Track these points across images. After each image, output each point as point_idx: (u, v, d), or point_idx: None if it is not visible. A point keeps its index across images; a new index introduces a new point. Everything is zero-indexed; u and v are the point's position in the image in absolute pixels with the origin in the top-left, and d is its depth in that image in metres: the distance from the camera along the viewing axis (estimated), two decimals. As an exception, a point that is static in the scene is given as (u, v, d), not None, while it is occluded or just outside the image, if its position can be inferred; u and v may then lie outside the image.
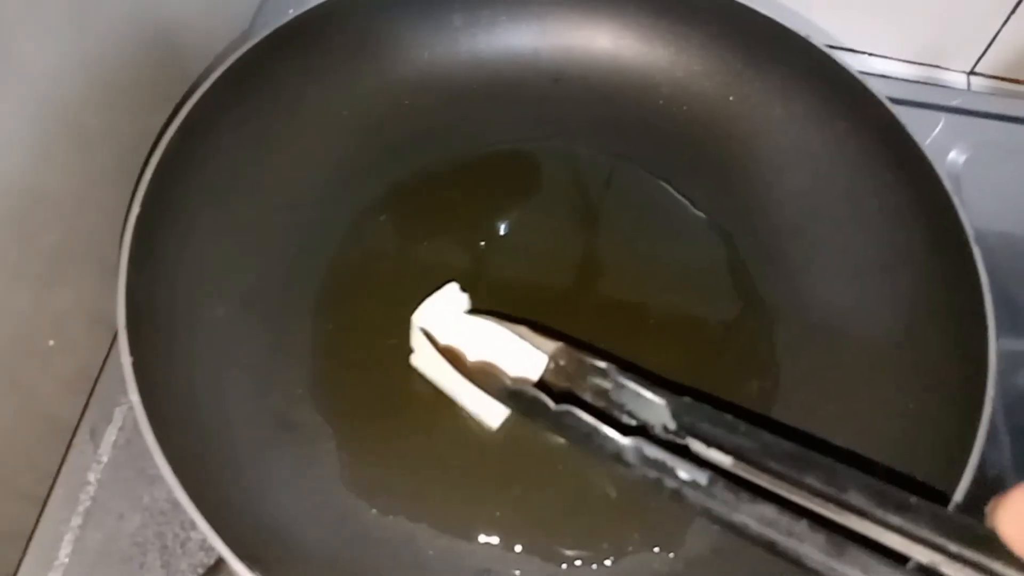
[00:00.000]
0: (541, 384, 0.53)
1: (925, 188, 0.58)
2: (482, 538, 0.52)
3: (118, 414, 0.59)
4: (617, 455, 0.48)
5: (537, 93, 0.68)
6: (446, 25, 0.67)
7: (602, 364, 0.52)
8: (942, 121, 0.76)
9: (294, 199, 0.61)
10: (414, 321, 0.55)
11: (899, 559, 0.42)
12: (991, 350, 0.52)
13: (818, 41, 0.63)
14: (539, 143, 0.67)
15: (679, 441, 0.49)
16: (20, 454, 0.54)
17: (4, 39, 0.46)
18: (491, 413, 0.54)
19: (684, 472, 0.46)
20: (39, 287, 0.53)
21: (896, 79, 0.80)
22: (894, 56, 0.81)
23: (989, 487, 0.57)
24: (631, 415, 0.51)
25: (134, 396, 0.46)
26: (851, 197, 0.63)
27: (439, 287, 0.57)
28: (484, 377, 0.53)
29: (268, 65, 0.61)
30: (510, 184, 0.66)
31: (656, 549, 0.53)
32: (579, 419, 0.49)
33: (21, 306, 0.51)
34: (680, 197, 0.65)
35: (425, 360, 0.56)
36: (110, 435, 0.58)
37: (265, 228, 0.60)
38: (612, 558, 0.52)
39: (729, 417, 0.49)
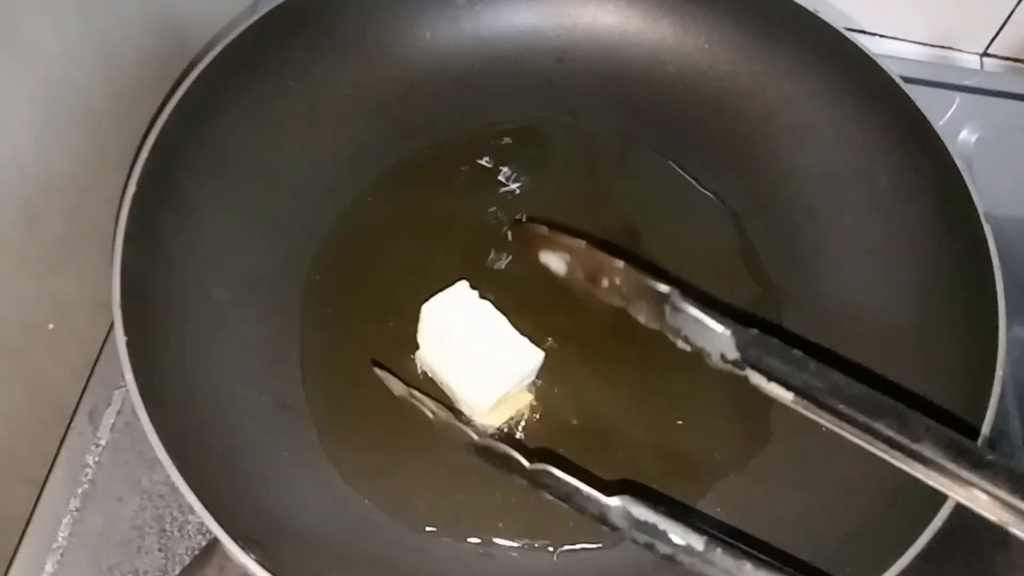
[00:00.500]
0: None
1: (936, 165, 0.58)
2: (479, 523, 0.52)
3: (117, 397, 0.58)
4: (602, 516, 0.46)
5: (541, 72, 0.67)
6: (448, 4, 0.66)
7: (664, 288, 0.51)
8: (956, 100, 0.75)
9: (294, 180, 0.61)
10: (423, 313, 0.54)
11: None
12: (1001, 329, 0.51)
13: (828, 17, 0.62)
14: (544, 123, 0.66)
15: (738, 372, 0.48)
16: (21, 438, 0.54)
17: (10, 24, 0.46)
18: (482, 403, 0.53)
19: (678, 536, 0.45)
20: (44, 272, 0.52)
21: (909, 60, 0.79)
22: (908, 38, 0.80)
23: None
24: (686, 340, 0.50)
25: (128, 375, 0.46)
26: (862, 176, 0.62)
27: (440, 270, 0.56)
28: (448, 429, 0.52)
29: (268, 44, 0.60)
30: (515, 165, 0.64)
31: (660, 532, 0.52)
32: (557, 478, 0.47)
33: (26, 291, 0.51)
34: (687, 176, 0.64)
35: (424, 346, 0.56)
36: (109, 418, 0.58)
37: (264, 209, 0.59)
38: (614, 543, 0.51)
39: (799, 353, 0.47)
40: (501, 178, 0.64)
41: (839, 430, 0.44)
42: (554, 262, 0.56)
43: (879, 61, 0.60)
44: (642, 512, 0.45)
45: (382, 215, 0.62)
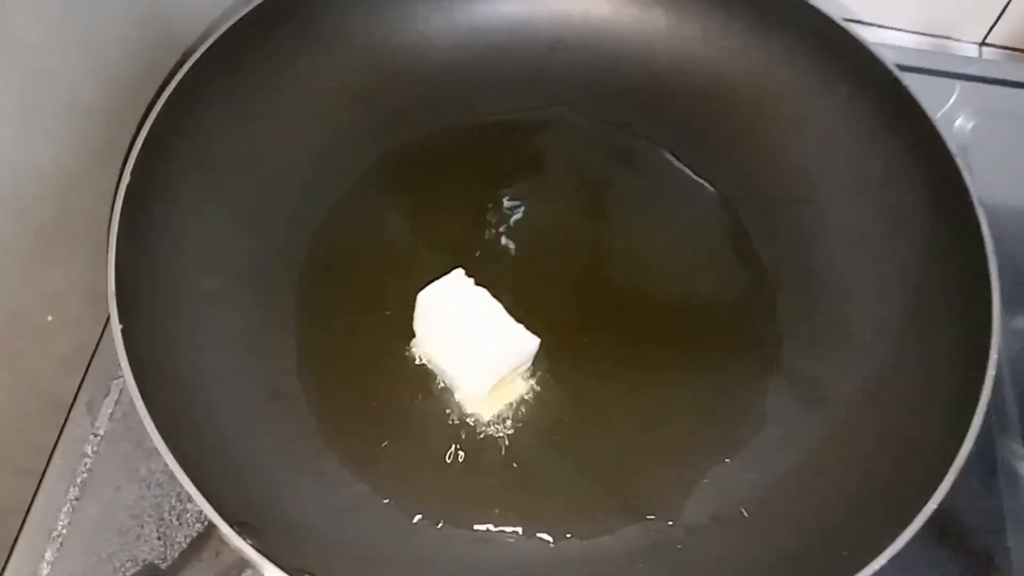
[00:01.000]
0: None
1: (930, 151, 0.57)
2: (476, 511, 0.52)
3: (115, 388, 0.58)
4: None
5: (534, 62, 0.67)
6: (442, -6, 0.66)
7: None
8: (957, 89, 0.75)
9: (285, 171, 0.61)
10: (419, 301, 0.54)
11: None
12: (995, 314, 0.51)
13: (823, 6, 0.62)
14: (536, 113, 0.67)
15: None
16: (18, 429, 0.54)
17: (-3, 17, 0.46)
18: (478, 389, 0.54)
19: None
20: (33, 263, 0.52)
21: (908, 48, 0.79)
22: (906, 28, 0.80)
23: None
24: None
25: (124, 363, 0.46)
26: (855, 163, 0.62)
27: (431, 260, 0.57)
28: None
29: (259, 37, 0.60)
30: (507, 155, 0.65)
31: (655, 518, 0.52)
32: None
33: (16, 282, 0.51)
34: (681, 165, 0.65)
35: (420, 333, 0.56)
36: (107, 408, 0.58)
37: (255, 200, 0.59)
38: (613, 529, 0.52)
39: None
40: (494, 168, 0.64)
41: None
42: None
43: (871, 48, 0.60)
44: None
45: (375, 204, 0.62)
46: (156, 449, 0.54)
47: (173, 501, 0.55)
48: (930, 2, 0.77)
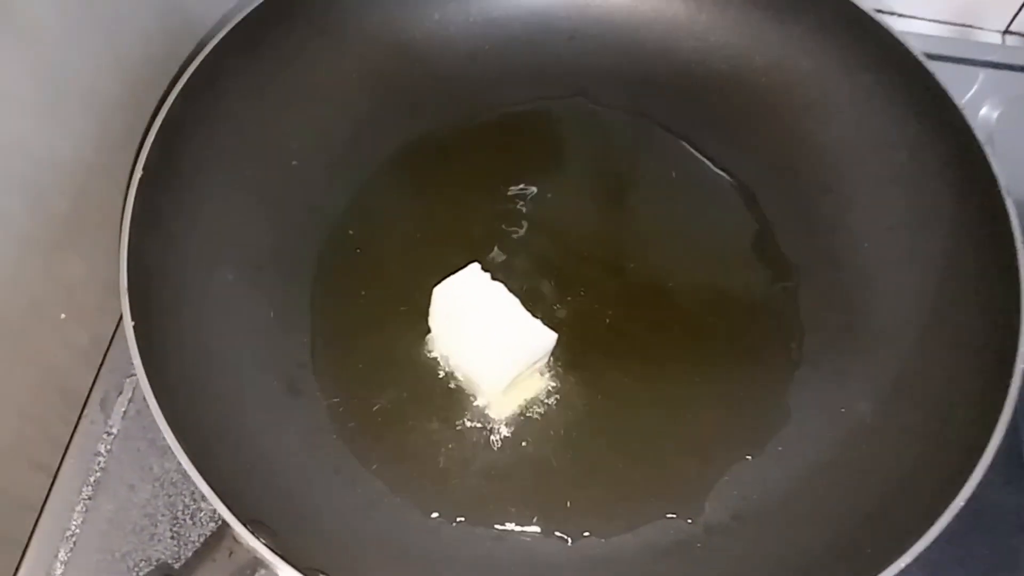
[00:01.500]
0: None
1: (957, 139, 0.56)
2: (494, 510, 0.51)
3: (128, 385, 0.58)
4: None
5: (551, 51, 0.67)
6: (458, -18, 0.66)
7: None
8: (980, 76, 0.74)
9: (302, 162, 0.60)
10: (435, 296, 0.53)
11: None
12: (1024, 303, 0.50)
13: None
14: (554, 102, 0.66)
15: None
16: (34, 422, 0.54)
17: (16, 7, 0.45)
18: (496, 385, 0.53)
19: None
20: (51, 255, 0.52)
21: (931, 36, 0.78)
22: (929, 17, 0.78)
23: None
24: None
25: (136, 359, 0.46)
26: (880, 151, 0.60)
27: (448, 252, 0.56)
28: None
29: (275, 26, 0.60)
30: (525, 145, 0.64)
31: (675, 516, 0.51)
32: None
33: (33, 274, 0.51)
34: (700, 156, 0.64)
35: (436, 329, 0.55)
36: (120, 406, 0.57)
37: (272, 192, 0.59)
38: (632, 527, 0.51)
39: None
40: (512, 159, 0.63)
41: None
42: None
43: (897, 35, 0.59)
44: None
45: (391, 197, 0.61)
46: (170, 447, 0.54)
47: (187, 500, 0.54)
48: (953, -9, 0.76)
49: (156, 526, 0.54)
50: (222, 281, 0.55)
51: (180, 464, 0.53)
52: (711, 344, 0.57)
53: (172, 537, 0.53)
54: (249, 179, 0.58)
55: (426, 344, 0.56)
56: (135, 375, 0.57)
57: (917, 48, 0.59)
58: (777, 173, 0.63)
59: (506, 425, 0.54)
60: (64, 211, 0.52)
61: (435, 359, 0.55)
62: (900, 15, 0.78)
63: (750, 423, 0.54)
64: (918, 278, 0.56)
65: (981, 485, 0.45)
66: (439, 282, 0.53)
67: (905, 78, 0.59)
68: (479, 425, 0.54)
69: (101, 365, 0.59)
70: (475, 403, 0.54)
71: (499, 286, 0.53)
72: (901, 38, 0.59)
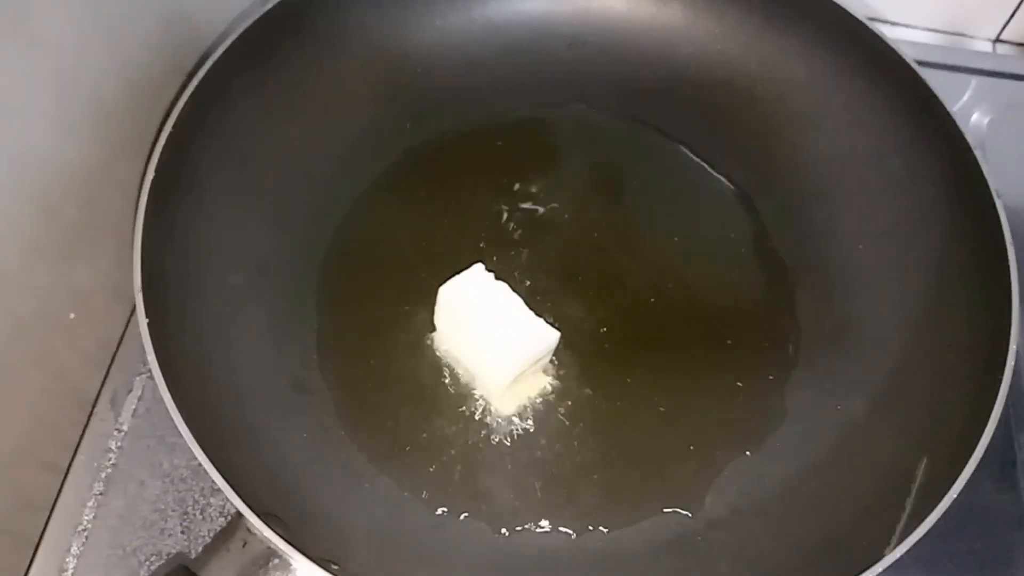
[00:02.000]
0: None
1: (949, 146, 0.58)
2: (498, 504, 0.52)
3: (138, 384, 0.59)
4: None
5: (552, 58, 0.68)
6: (459, -10, 0.67)
7: None
8: (972, 83, 0.75)
9: (308, 167, 0.61)
10: (440, 295, 0.54)
11: None
12: (1015, 305, 0.51)
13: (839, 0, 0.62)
14: (555, 109, 0.67)
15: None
16: (44, 424, 0.54)
17: (23, 14, 0.46)
18: (499, 382, 0.54)
19: None
20: (60, 260, 0.53)
21: (923, 44, 0.79)
22: (921, 25, 0.80)
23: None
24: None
25: (151, 357, 0.47)
26: (874, 158, 0.62)
27: (450, 254, 0.58)
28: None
29: (280, 34, 0.61)
30: (526, 151, 0.65)
31: (676, 510, 0.52)
32: None
33: (43, 279, 0.52)
34: (699, 160, 0.65)
35: (441, 327, 0.56)
36: (130, 404, 0.58)
37: (279, 195, 0.60)
38: (635, 521, 0.52)
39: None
40: (513, 164, 0.64)
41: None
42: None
43: (890, 42, 0.61)
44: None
45: (395, 200, 0.62)
46: (179, 444, 0.55)
47: (196, 496, 0.55)
48: (945, 0, 0.78)
49: (166, 521, 0.54)
50: (230, 282, 0.56)
51: (189, 460, 0.55)
52: (710, 344, 0.58)
53: (182, 532, 0.54)
54: (256, 184, 0.59)
55: (431, 342, 0.57)
56: (144, 374, 0.59)
57: (910, 56, 0.60)
58: (773, 178, 0.64)
59: (510, 421, 0.55)
60: (72, 216, 0.53)
61: (440, 357, 0.56)
62: (893, 23, 0.79)
63: (748, 421, 0.55)
64: (911, 282, 0.58)
65: (973, 483, 0.47)
66: (442, 282, 0.54)
67: (898, 85, 0.61)
68: (483, 421, 0.55)
69: (111, 365, 0.59)
70: (479, 400, 0.55)
71: (503, 285, 0.54)
72: (894, 46, 0.60)
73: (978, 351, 0.52)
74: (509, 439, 0.54)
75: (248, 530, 0.45)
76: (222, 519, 0.55)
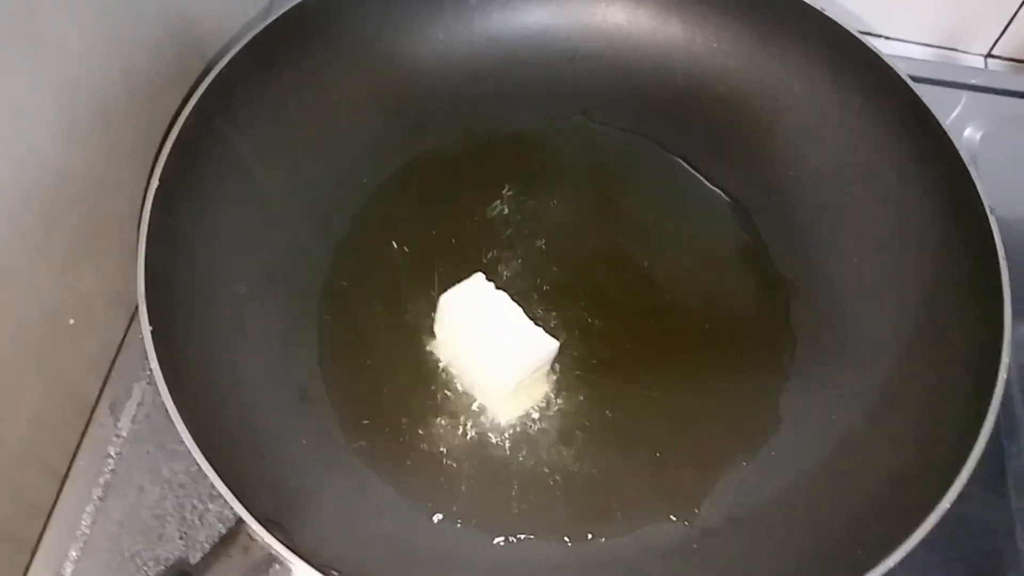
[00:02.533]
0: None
1: (943, 161, 0.59)
2: (496, 512, 0.53)
3: (137, 390, 0.59)
4: None
5: (553, 72, 0.69)
6: (462, 4, 0.67)
7: None
8: (963, 99, 0.76)
9: (312, 175, 0.62)
10: (440, 304, 0.55)
11: None
12: (1007, 320, 0.52)
13: (835, 17, 0.63)
14: (556, 121, 0.68)
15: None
16: (45, 428, 0.54)
17: (32, 20, 0.47)
18: (499, 390, 0.55)
19: None
20: (63, 266, 0.53)
21: (916, 59, 0.80)
22: (914, 40, 0.81)
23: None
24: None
25: (154, 364, 0.47)
26: (870, 171, 0.63)
27: (451, 264, 0.58)
28: None
29: (285, 44, 0.61)
30: (527, 162, 0.66)
31: (672, 519, 0.53)
32: None
33: (46, 284, 0.52)
34: (697, 174, 0.66)
35: (441, 336, 0.57)
36: (130, 410, 0.58)
37: (283, 204, 0.60)
38: (631, 530, 0.53)
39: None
40: (514, 174, 0.65)
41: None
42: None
43: (885, 58, 0.61)
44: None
45: (397, 209, 0.63)
46: (178, 451, 0.55)
47: (195, 502, 0.55)
48: (938, 15, 0.79)
49: (165, 527, 0.55)
50: (233, 290, 0.56)
51: (188, 467, 0.55)
52: (707, 354, 0.58)
53: (180, 538, 0.54)
54: (258, 192, 0.60)
55: (431, 351, 0.57)
56: (144, 380, 0.59)
57: (904, 71, 0.61)
58: (770, 191, 0.65)
59: (509, 430, 0.55)
60: (75, 221, 0.53)
61: (440, 365, 0.57)
62: (887, 38, 0.80)
63: (744, 430, 0.56)
64: (905, 294, 0.58)
65: (964, 491, 0.47)
66: (443, 291, 0.55)
67: (893, 101, 0.61)
68: (483, 430, 0.55)
69: (111, 370, 0.60)
70: (479, 408, 0.56)
71: (503, 295, 0.55)
72: (890, 62, 0.61)
73: (971, 363, 0.53)
74: (508, 447, 0.55)
75: (249, 536, 0.45)
76: (220, 526, 0.55)
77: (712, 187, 0.65)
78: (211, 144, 0.57)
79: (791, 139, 0.66)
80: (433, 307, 0.56)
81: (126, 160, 0.57)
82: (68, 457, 0.57)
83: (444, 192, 0.64)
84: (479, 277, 0.55)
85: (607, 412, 0.56)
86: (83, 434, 0.58)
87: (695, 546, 0.52)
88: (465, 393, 0.56)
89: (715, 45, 0.67)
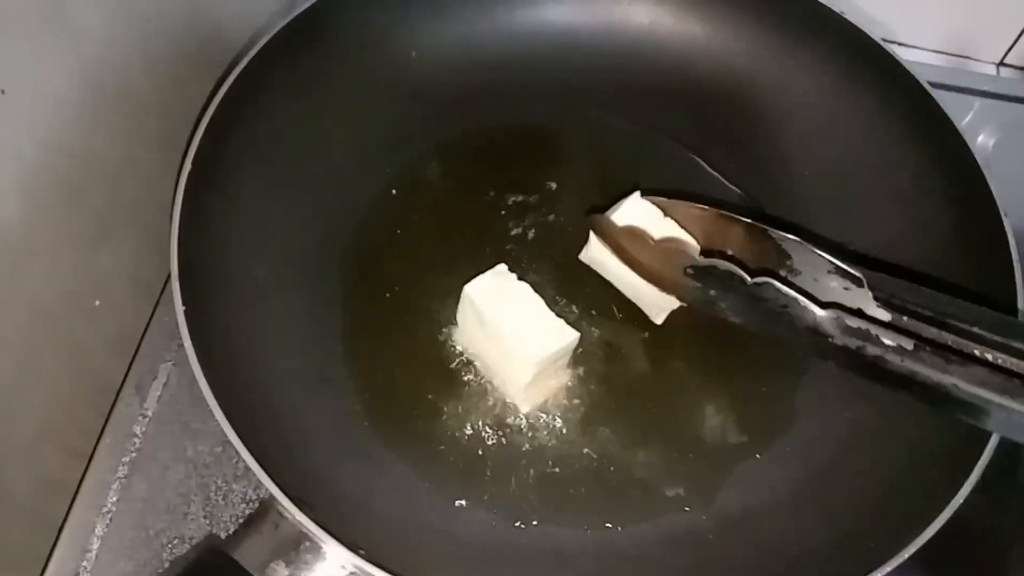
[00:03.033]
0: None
1: (957, 162, 0.60)
2: (515, 499, 0.54)
3: (163, 371, 0.60)
4: (814, 328, 0.49)
5: (573, 67, 0.69)
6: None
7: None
8: (976, 105, 0.77)
9: (335, 164, 0.63)
10: (464, 294, 0.56)
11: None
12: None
13: (852, 16, 0.64)
14: (574, 115, 0.69)
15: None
16: (69, 410, 0.55)
17: (57, 8, 0.47)
18: (519, 379, 0.55)
19: (888, 339, 0.47)
20: (85, 247, 0.54)
21: (928, 65, 0.81)
22: (927, 47, 0.82)
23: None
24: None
25: (187, 342, 0.48)
26: (883, 172, 0.63)
27: (471, 253, 0.60)
28: (666, 258, 0.56)
29: (308, 38, 0.62)
30: (544, 156, 0.67)
31: (689, 509, 0.54)
32: (777, 290, 0.51)
33: (69, 265, 0.53)
34: (713, 171, 0.67)
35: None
36: (155, 391, 0.59)
37: (306, 191, 0.61)
38: (648, 519, 0.54)
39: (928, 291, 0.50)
40: (535, 167, 0.66)
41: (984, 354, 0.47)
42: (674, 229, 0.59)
43: (902, 60, 0.62)
44: (853, 321, 0.49)
45: (419, 198, 0.64)
46: (203, 431, 0.56)
47: (219, 481, 0.56)
48: (950, 23, 0.80)
49: (189, 506, 0.56)
50: (259, 274, 0.57)
51: (212, 447, 0.57)
52: (723, 349, 0.59)
53: (204, 516, 0.55)
54: (284, 179, 0.60)
55: (452, 338, 0.58)
56: (170, 361, 0.60)
57: (920, 75, 0.62)
58: (785, 189, 0.66)
59: (529, 418, 0.56)
60: (98, 204, 0.54)
61: (461, 353, 0.58)
62: (902, 44, 0.81)
63: (759, 424, 0.57)
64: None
65: (974, 491, 0.48)
66: (464, 280, 0.56)
67: (910, 104, 0.62)
68: (503, 418, 0.56)
69: (136, 351, 0.61)
70: (500, 397, 0.57)
71: (525, 285, 0.56)
72: (907, 66, 0.62)
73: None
74: (527, 435, 0.56)
75: (280, 513, 0.46)
76: (244, 505, 0.56)
77: (728, 184, 0.66)
78: (240, 130, 0.58)
79: (806, 137, 0.66)
80: (454, 295, 0.56)
81: (149, 145, 0.58)
82: (93, 436, 0.58)
83: (465, 183, 0.65)
84: (502, 268, 0.56)
85: (625, 403, 0.57)
86: (109, 414, 0.59)
87: (711, 535, 0.53)
88: (485, 381, 0.57)
89: (733, 45, 0.68)
